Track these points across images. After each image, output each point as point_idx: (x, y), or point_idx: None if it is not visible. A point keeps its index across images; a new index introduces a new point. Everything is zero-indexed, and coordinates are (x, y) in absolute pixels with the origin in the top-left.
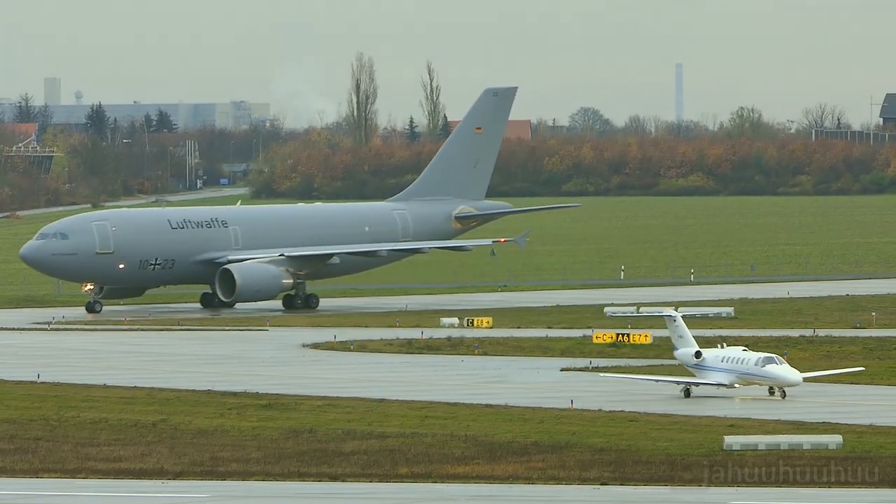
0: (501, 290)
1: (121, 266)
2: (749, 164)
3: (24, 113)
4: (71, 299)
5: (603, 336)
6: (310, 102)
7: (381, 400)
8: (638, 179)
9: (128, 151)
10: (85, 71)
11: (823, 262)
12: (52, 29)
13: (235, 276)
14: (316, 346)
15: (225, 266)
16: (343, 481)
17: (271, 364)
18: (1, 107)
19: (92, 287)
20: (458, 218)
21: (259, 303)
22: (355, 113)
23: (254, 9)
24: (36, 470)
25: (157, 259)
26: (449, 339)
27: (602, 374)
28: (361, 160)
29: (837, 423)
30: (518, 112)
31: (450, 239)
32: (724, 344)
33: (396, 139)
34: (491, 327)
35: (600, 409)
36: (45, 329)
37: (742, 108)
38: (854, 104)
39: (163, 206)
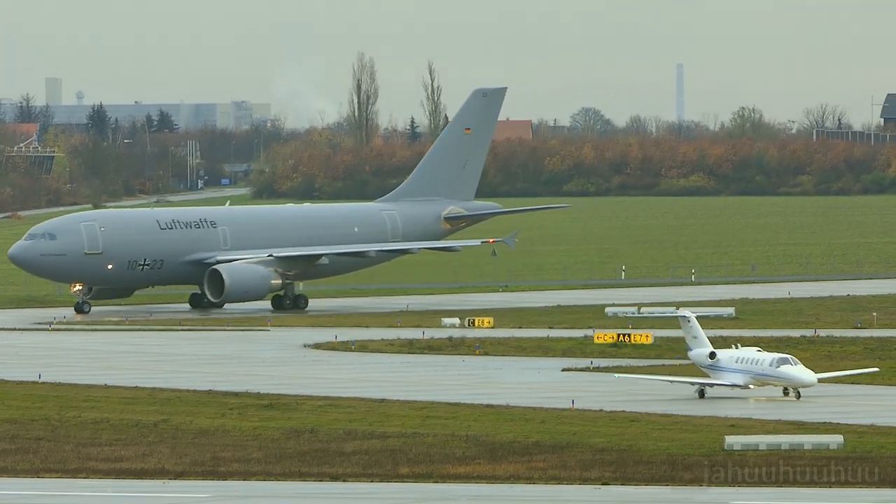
0: (502, 291)
1: (109, 266)
2: (750, 165)
3: (26, 113)
4: (72, 300)
5: (604, 336)
6: (311, 102)
7: (383, 400)
8: (639, 179)
9: (129, 152)
10: (86, 71)
11: (824, 262)
12: (53, 29)
13: (224, 277)
14: (317, 346)
15: (214, 266)
16: (344, 481)
17: (272, 364)
18: (2, 107)
19: (80, 288)
20: (447, 218)
21: (248, 303)
22: (356, 113)
23: (255, 9)
24: (37, 470)
25: (145, 259)
26: (450, 339)
27: (616, 375)
28: (362, 160)
29: (838, 424)
30: (519, 112)
31: (439, 239)
32: (739, 345)
33: (397, 139)
34: (492, 327)
35: (601, 410)
36: (47, 329)
37: (743, 108)
38: (855, 104)
39: (163, 206)
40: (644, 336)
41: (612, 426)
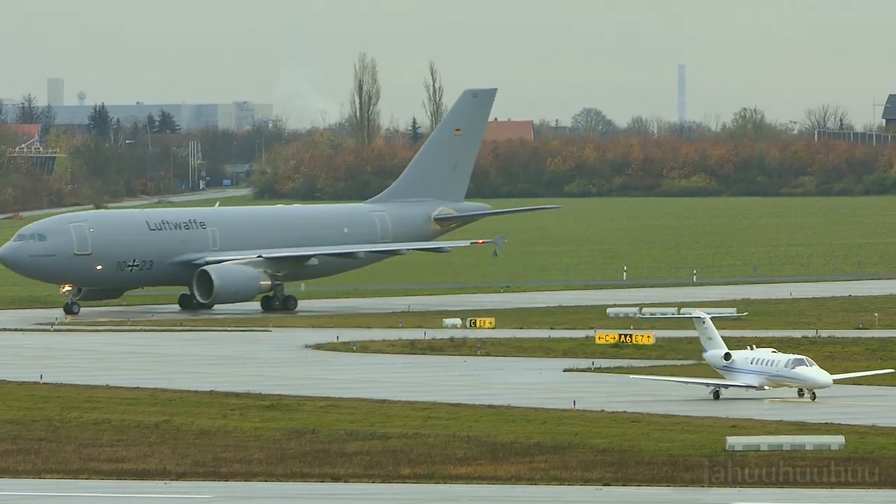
0: (504, 291)
1: (98, 267)
2: (751, 165)
3: (28, 114)
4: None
5: (605, 337)
6: (312, 103)
7: (384, 401)
8: (640, 180)
9: (130, 152)
10: (88, 72)
11: (826, 262)
12: (55, 30)
13: (213, 278)
14: (318, 346)
15: (203, 267)
16: (346, 482)
17: (274, 365)
18: (4, 107)
19: (70, 288)
20: (437, 219)
21: (237, 304)
22: (358, 114)
23: (257, 9)
24: (39, 470)
25: (134, 260)
26: (451, 339)
27: (630, 376)
28: (364, 161)
29: (840, 424)
30: (521, 113)
31: (429, 240)
32: (754, 346)
33: (399, 140)
34: (493, 328)
35: (603, 410)
36: (48, 330)
37: (744, 108)
38: (857, 105)
39: (165, 206)
40: (646, 336)
41: (613, 427)
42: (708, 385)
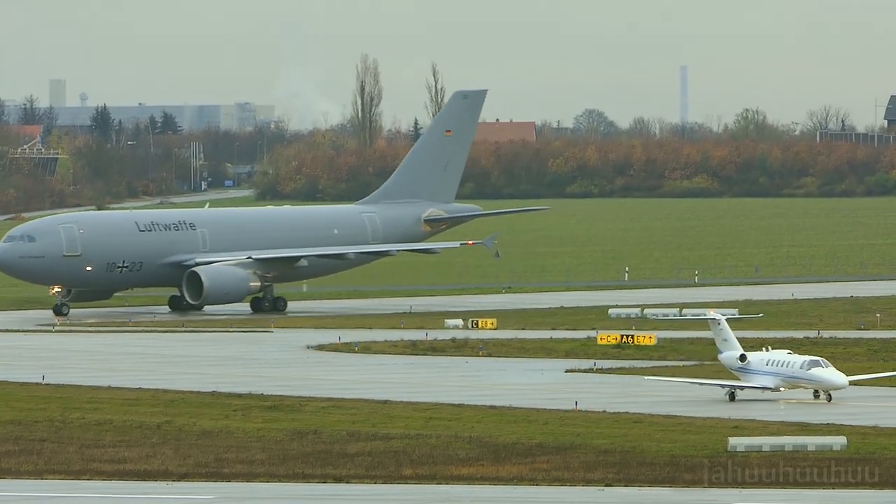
0: (506, 292)
1: (88, 268)
2: (753, 166)
3: (29, 115)
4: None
5: (607, 337)
6: (314, 104)
7: (386, 401)
8: (642, 181)
9: (132, 153)
10: (90, 73)
11: (828, 263)
12: (57, 31)
13: (203, 279)
14: (320, 347)
15: (192, 269)
16: (347, 483)
17: (276, 365)
18: (6, 108)
19: (59, 290)
20: (427, 221)
21: (227, 305)
22: (360, 114)
23: (258, 10)
24: (41, 471)
25: (124, 261)
26: (453, 340)
27: (645, 378)
28: (366, 162)
29: (841, 425)
30: (522, 114)
31: (419, 241)
32: (769, 347)
33: (401, 141)
34: (495, 328)
35: (605, 411)
36: (50, 331)
37: (746, 109)
38: (858, 106)
39: (167, 207)
40: (647, 337)
41: (615, 427)
42: (724, 386)
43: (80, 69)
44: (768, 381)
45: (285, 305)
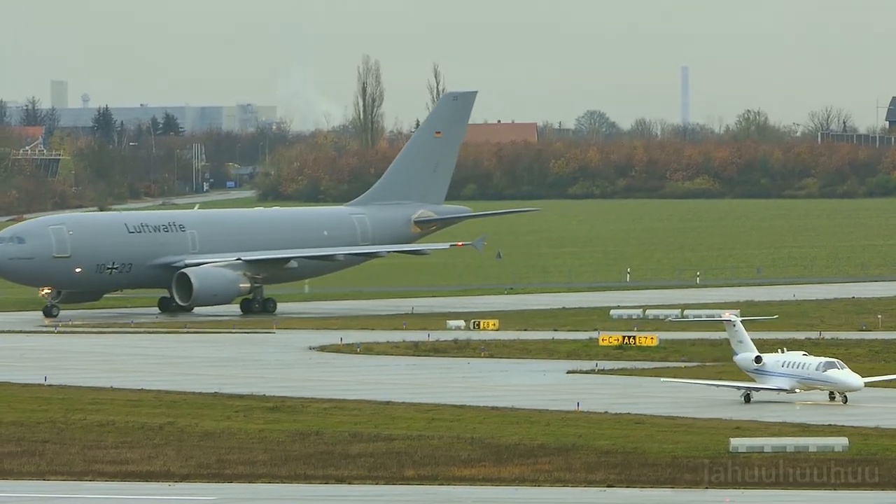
0: (508, 293)
1: (78, 270)
2: (755, 167)
3: (31, 116)
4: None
5: (609, 338)
6: (316, 105)
7: (388, 402)
8: (644, 182)
9: (134, 154)
10: (92, 74)
11: (829, 264)
12: (59, 32)
13: (192, 281)
14: (322, 348)
15: (182, 270)
16: (349, 483)
17: (278, 366)
18: (8, 110)
19: (49, 291)
20: (417, 222)
21: (216, 307)
22: (362, 116)
23: (260, 11)
24: (43, 472)
25: (114, 263)
26: (455, 341)
27: (662, 380)
28: (368, 163)
29: (843, 426)
30: (524, 115)
31: (409, 243)
32: (784, 348)
33: (403, 142)
34: (497, 329)
35: (606, 412)
36: (52, 332)
37: (748, 110)
38: (860, 107)
39: (169, 208)
40: (649, 338)
41: (617, 428)
42: (739, 388)
43: (81, 70)
44: (784, 383)
45: (275, 307)
